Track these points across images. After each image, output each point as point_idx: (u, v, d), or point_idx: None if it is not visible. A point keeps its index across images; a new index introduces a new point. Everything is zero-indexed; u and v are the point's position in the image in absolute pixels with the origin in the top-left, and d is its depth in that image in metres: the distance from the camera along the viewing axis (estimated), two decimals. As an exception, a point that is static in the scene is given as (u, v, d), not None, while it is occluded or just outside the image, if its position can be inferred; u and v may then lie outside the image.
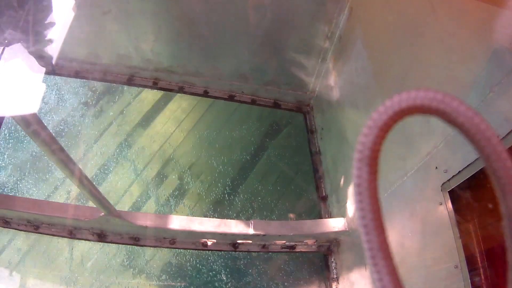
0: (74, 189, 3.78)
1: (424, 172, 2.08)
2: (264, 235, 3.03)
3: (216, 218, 3.42)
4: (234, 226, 2.99)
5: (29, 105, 1.53)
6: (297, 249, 3.31)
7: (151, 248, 3.34)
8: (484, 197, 1.73)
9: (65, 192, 3.78)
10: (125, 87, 4.35)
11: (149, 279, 3.40)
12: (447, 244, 1.84)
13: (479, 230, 1.72)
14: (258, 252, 3.32)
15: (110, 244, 3.24)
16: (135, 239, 3.14)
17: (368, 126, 0.56)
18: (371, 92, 2.83)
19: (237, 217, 3.72)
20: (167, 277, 3.42)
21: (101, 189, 2.72)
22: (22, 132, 4.01)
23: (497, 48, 1.58)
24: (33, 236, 3.30)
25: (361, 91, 3.01)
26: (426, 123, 2.03)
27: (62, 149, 1.92)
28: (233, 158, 4.14)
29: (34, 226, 3.05)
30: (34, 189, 3.74)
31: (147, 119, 4.28)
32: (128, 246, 3.33)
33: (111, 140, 4.10)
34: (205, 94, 4.17)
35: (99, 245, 3.45)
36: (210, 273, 3.48)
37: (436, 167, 1.94)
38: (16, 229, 3.06)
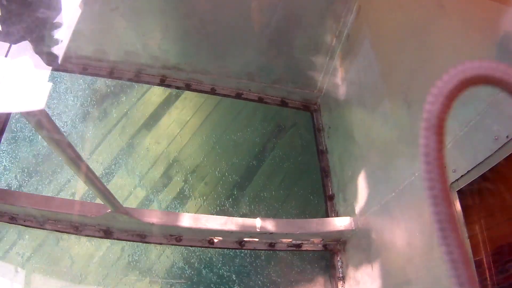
0: (77, 192, 3.80)
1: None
2: (270, 233, 3.03)
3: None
4: (241, 224, 2.99)
5: (37, 101, 1.54)
6: (303, 248, 3.30)
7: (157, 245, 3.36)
8: (493, 197, 1.72)
9: (68, 195, 3.80)
10: (132, 85, 4.37)
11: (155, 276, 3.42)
12: (455, 244, 1.82)
13: (488, 230, 1.71)
14: (264, 250, 3.31)
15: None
16: (142, 236, 3.14)
17: (433, 94, 0.54)
18: (378, 91, 2.82)
19: (243, 216, 3.72)
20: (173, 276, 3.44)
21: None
22: (23, 132, 4.04)
23: (506, 47, 1.57)
24: (40, 233, 3.32)
25: (369, 90, 2.99)
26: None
27: (70, 145, 1.93)
28: (239, 157, 4.14)
29: (40, 222, 3.06)
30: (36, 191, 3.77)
31: (153, 120, 4.29)
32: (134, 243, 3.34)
33: (116, 140, 4.11)
34: (212, 91, 4.16)
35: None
36: (216, 270, 3.49)
37: (445, 167, 1.93)
38: (22, 225, 3.07)
